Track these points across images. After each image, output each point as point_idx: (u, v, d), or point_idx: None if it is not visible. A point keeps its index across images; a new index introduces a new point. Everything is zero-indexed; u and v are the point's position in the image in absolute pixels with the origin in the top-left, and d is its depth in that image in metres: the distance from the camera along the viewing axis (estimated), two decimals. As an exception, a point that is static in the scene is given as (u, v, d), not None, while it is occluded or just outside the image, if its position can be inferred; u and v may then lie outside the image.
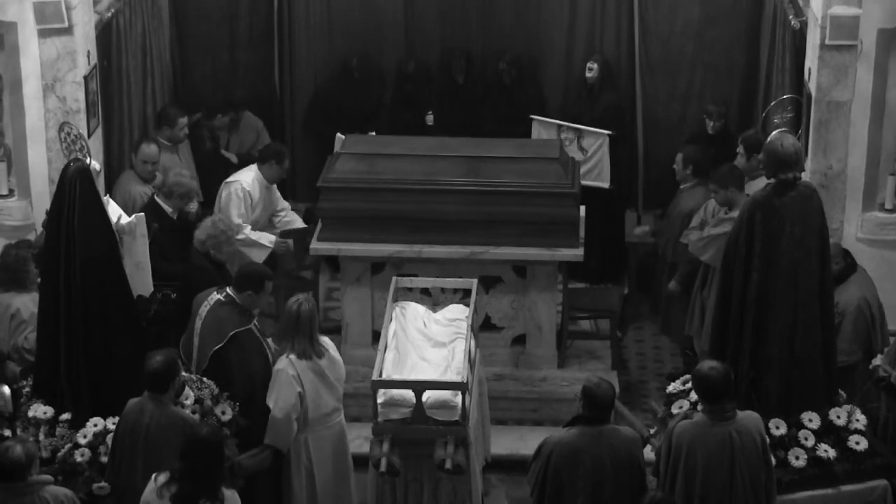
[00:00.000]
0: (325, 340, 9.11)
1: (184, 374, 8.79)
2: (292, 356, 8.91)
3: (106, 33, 11.40)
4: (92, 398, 8.79)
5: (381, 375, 9.08)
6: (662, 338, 11.91)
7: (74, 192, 8.61)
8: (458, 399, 8.94)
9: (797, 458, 8.70)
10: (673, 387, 9.17)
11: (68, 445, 8.70)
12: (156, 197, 10.81)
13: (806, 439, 8.75)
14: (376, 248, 10.68)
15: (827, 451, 8.74)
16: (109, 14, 11.34)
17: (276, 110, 13.17)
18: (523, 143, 11.55)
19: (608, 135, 12.01)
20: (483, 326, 10.61)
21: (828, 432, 8.82)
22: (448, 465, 8.86)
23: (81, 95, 10.57)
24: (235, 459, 8.64)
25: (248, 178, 11.45)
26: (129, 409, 8.43)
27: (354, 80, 12.81)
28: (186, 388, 8.80)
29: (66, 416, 8.81)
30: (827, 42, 10.27)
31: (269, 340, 9.27)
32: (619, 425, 8.34)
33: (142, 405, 8.40)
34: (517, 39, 12.97)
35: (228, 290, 9.22)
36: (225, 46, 13.08)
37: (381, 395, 8.99)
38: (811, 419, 8.80)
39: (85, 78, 10.60)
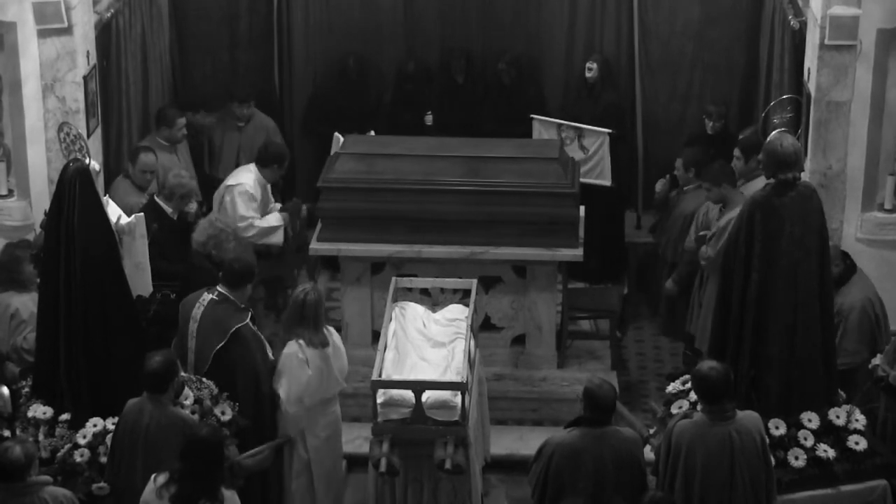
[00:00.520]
0: (331, 330, 9.26)
1: (183, 374, 8.79)
2: (301, 341, 9.06)
3: (105, 33, 11.39)
4: (91, 398, 8.79)
5: (380, 375, 9.08)
6: (662, 338, 11.93)
7: (74, 192, 8.62)
8: (458, 399, 8.94)
9: (797, 458, 8.69)
10: (672, 387, 9.18)
11: (68, 446, 8.70)
12: (156, 197, 10.79)
13: (805, 439, 8.75)
14: (376, 248, 10.68)
15: (826, 451, 8.74)
16: (109, 14, 11.34)
17: (276, 110, 13.15)
18: (523, 143, 11.54)
19: (608, 133, 12.00)
20: (483, 326, 10.60)
21: (827, 432, 8.82)
22: (448, 465, 8.86)
23: (81, 95, 10.56)
24: (235, 459, 8.64)
25: (249, 179, 11.43)
26: (129, 410, 8.43)
27: (352, 80, 12.80)
28: (186, 389, 8.80)
29: (65, 416, 8.81)
30: (826, 42, 10.27)
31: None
32: (619, 426, 8.35)
33: (141, 405, 8.40)
34: (517, 39, 12.97)
35: (220, 288, 9.27)
36: (225, 46, 13.07)
37: (381, 395, 8.99)
38: (811, 419, 8.80)
39: (84, 78, 10.59)
